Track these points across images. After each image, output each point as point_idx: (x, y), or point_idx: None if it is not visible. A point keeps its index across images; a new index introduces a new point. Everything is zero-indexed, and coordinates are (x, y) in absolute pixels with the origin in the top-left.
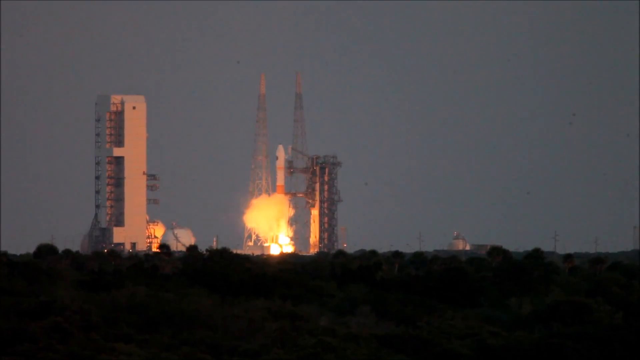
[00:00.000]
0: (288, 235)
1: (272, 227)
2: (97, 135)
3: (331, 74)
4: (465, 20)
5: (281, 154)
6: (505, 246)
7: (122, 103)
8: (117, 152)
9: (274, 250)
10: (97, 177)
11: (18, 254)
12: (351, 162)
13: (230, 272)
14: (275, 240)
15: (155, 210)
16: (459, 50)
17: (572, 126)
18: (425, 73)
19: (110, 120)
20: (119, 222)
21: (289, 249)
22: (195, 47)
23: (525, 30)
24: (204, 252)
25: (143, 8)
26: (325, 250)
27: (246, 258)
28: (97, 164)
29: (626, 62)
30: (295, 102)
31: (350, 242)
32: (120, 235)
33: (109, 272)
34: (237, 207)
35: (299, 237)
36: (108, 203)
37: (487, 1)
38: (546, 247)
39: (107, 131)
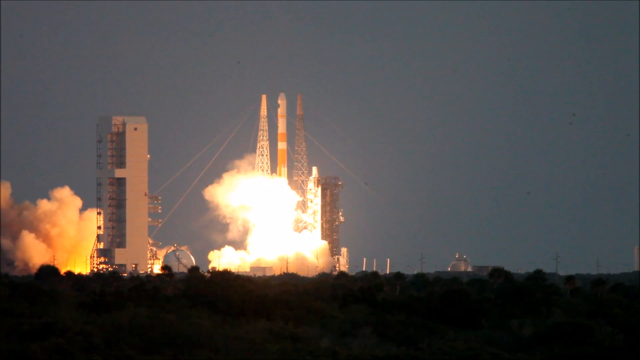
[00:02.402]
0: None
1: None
2: (99, 156)
3: (332, 95)
4: (465, 21)
5: (283, 102)
6: (507, 268)
7: (124, 124)
8: (118, 173)
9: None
10: (99, 199)
11: (20, 275)
12: (352, 183)
13: (232, 294)
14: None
15: (156, 231)
16: (459, 58)
17: (573, 149)
18: (425, 93)
19: (112, 141)
20: (121, 243)
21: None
22: (196, 67)
23: (526, 30)
24: (206, 274)
25: (144, 30)
26: (327, 271)
27: (248, 279)
28: (99, 185)
29: (626, 62)
30: (296, 124)
31: (351, 264)
32: (121, 257)
33: (110, 294)
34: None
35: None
36: (109, 224)
37: (487, 1)
38: (548, 268)
39: (109, 152)
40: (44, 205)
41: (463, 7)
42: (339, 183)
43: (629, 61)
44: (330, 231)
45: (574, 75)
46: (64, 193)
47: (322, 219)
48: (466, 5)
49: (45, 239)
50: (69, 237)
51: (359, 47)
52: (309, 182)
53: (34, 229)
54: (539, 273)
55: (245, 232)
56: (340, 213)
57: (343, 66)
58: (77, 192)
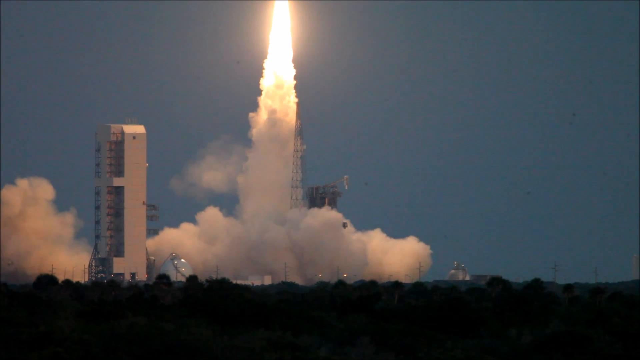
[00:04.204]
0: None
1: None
2: (97, 165)
3: (329, 103)
4: (465, 21)
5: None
6: (505, 276)
7: (122, 133)
8: (117, 182)
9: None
10: (97, 207)
11: (18, 284)
12: (351, 191)
13: (230, 303)
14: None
15: (155, 240)
16: (459, 58)
17: (572, 155)
18: (424, 94)
19: (110, 150)
20: (119, 252)
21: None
22: (195, 68)
23: (526, 30)
24: (204, 282)
25: (142, 38)
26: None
27: (246, 288)
28: (97, 194)
29: (626, 62)
30: (294, 132)
31: (350, 273)
32: (120, 266)
33: (109, 303)
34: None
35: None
36: (108, 233)
37: (487, 1)
38: (546, 277)
39: (107, 161)
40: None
41: (463, 7)
42: (338, 192)
43: (629, 61)
44: None
45: (574, 75)
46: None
47: None
48: (466, 5)
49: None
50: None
51: (359, 47)
52: (305, 189)
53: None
54: (537, 282)
55: None
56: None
57: (343, 66)
58: (75, 200)
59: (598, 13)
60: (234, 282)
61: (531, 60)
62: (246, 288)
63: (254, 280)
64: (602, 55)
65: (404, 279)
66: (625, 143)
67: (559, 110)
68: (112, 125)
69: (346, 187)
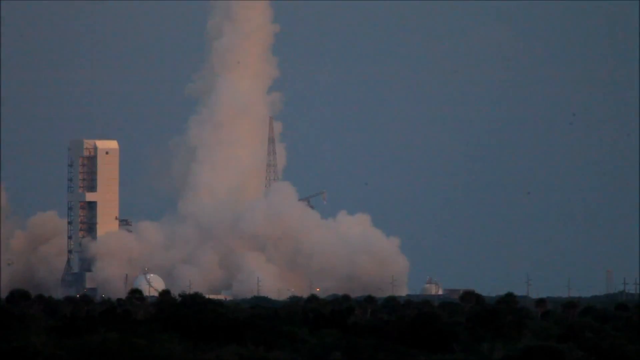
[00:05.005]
0: None
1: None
2: (70, 180)
3: (312, 113)
4: (465, 21)
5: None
6: (478, 290)
7: (95, 148)
8: (89, 197)
9: None
10: (70, 222)
11: None
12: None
13: (203, 317)
14: None
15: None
16: (458, 58)
17: (571, 153)
18: (423, 95)
19: (83, 165)
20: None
21: None
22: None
23: (525, 30)
24: (177, 297)
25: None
26: (298, 294)
27: (219, 303)
28: (70, 209)
29: (626, 62)
30: (268, 147)
31: (322, 287)
32: (92, 281)
33: (81, 318)
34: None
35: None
36: (80, 248)
37: (488, 1)
38: (519, 291)
39: (80, 176)
40: None
41: (463, 7)
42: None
43: (629, 61)
44: None
45: (574, 75)
46: None
47: None
48: (466, 5)
49: None
50: None
51: (357, 47)
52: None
53: None
54: (509, 296)
55: None
56: None
57: (340, 67)
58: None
59: (598, 13)
60: (207, 296)
61: (531, 60)
62: (219, 303)
63: (227, 295)
64: (602, 55)
65: (377, 293)
66: (625, 143)
67: (559, 110)
68: (85, 140)
69: (324, 202)
